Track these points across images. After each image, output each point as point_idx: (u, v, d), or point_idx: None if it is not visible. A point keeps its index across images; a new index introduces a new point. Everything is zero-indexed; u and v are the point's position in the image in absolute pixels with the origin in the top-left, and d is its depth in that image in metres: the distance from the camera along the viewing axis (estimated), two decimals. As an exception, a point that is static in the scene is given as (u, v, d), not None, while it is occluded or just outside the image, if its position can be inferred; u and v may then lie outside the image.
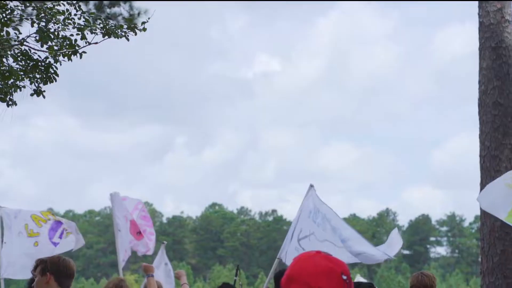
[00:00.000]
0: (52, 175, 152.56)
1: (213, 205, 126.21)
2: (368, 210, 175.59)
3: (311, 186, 10.94)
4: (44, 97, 10.16)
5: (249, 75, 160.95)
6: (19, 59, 9.77)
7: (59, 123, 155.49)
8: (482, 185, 11.77)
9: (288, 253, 10.32)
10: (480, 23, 12.17)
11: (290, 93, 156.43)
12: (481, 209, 11.77)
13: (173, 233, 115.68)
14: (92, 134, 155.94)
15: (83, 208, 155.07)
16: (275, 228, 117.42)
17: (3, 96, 9.88)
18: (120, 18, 10.24)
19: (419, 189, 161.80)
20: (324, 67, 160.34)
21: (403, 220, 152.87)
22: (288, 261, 9.36)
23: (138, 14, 10.71)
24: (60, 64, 9.85)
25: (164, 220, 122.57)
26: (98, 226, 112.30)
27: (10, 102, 10.05)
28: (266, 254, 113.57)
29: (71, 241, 10.86)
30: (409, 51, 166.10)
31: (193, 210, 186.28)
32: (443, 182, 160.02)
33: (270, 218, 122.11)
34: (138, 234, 11.94)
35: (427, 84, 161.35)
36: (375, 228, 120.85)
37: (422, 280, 7.74)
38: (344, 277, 2.97)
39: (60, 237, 10.70)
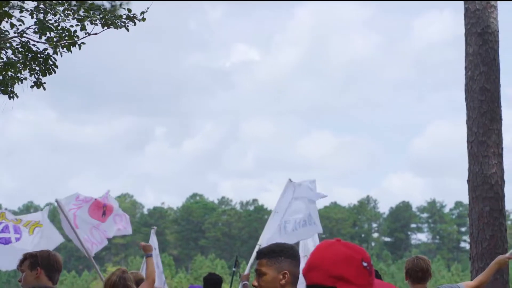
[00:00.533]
0: (31, 168, 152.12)
1: (194, 195, 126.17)
2: (348, 198, 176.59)
3: (290, 180, 11.17)
4: (44, 89, 10.12)
5: (227, 65, 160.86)
6: (18, 51, 9.70)
7: (37, 116, 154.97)
8: (470, 171, 11.78)
9: (272, 237, 10.50)
10: (466, 9, 12.13)
11: (269, 82, 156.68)
12: (469, 194, 11.80)
13: (154, 224, 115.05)
14: (71, 127, 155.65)
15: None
16: (256, 217, 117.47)
17: (4, 89, 9.82)
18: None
19: (399, 176, 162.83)
20: (302, 56, 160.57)
21: (384, 208, 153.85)
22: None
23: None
24: (61, 56, 9.79)
25: (145, 211, 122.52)
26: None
27: (12, 95, 10.00)
28: (247, 243, 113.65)
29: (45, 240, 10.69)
30: (387, 38, 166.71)
31: (174, 201, 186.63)
32: (423, 168, 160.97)
33: (251, 208, 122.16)
34: (103, 215, 11.67)
35: (406, 71, 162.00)
36: (356, 215, 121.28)
37: (418, 263, 7.69)
38: (365, 264, 2.96)
39: (3, 231, 10.54)
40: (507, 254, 8.50)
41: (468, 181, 11.79)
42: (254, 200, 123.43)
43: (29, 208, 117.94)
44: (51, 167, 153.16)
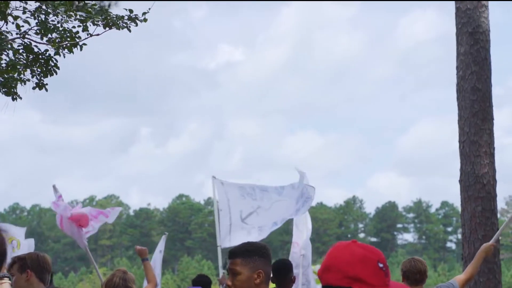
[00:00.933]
0: (17, 169, 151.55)
1: (180, 196, 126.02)
2: (335, 198, 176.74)
3: (214, 178, 11.17)
4: (46, 90, 10.12)
5: (212, 65, 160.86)
6: (20, 51, 9.69)
7: (22, 117, 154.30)
8: (462, 171, 11.77)
9: (234, 236, 10.39)
10: (457, 9, 12.13)
11: (254, 82, 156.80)
12: (461, 194, 11.78)
13: (140, 226, 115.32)
14: (56, 128, 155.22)
15: (49, 202, 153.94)
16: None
17: (7, 90, 9.80)
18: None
19: (385, 176, 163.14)
20: (287, 55, 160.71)
21: (370, 208, 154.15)
22: (235, 243, 9.51)
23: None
24: (64, 57, 9.78)
25: (131, 212, 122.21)
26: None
27: (15, 96, 10.00)
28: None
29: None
30: (372, 37, 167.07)
31: (160, 201, 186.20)
32: (409, 168, 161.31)
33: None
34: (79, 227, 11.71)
35: (391, 70, 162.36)
36: (342, 216, 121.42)
37: (415, 265, 7.61)
38: (381, 265, 2.98)
39: None
40: (491, 241, 8.54)
41: (460, 181, 11.77)
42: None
43: (15, 209, 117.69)
44: (36, 168, 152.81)
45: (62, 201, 11.04)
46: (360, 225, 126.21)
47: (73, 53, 9.72)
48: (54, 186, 11.28)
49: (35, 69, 9.90)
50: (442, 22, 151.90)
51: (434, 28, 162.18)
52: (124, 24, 9.77)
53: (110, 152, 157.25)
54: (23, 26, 9.55)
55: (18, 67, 9.67)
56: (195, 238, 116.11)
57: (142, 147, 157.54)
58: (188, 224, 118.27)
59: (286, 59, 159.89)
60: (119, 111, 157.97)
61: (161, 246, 12.31)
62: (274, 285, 7.24)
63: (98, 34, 9.75)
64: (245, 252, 4.58)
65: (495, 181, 11.64)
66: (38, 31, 9.56)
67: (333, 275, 2.93)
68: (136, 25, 9.82)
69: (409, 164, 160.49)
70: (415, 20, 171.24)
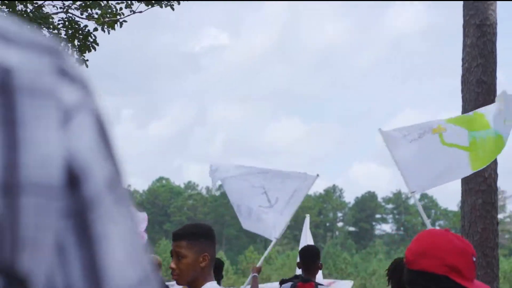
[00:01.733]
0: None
1: (160, 179, 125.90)
2: (314, 186, 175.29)
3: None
4: (87, 66, 10.00)
5: (197, 49, 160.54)
6: (59, 26, 9.59)
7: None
8: (464, 163, 11.71)
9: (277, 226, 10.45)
10: (465, 1, 12.08)
11: (238, 66, 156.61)
12: (462, 187, 11.74)
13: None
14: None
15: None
16: (222, 203, 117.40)
17: None
18: None
19: (366, 166, 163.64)
20: (273, 41, 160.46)
21: (350, 197, 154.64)
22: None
23: None
24: (109, 33, 9.67)
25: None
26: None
27: None
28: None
29: None
30: (358, 24, 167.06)
31: (140, 184, 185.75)
32: (389, 159, 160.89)
33: (218, 193, 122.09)
34: None
35: (375, 59, 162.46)
36: (322, 204, 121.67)
37: None
38: (474, 259, 3.00)
39: None
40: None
41: (462, 173, 11.71)
42: (221, 186, 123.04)
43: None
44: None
45: None
46: (339, 214, 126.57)
47: (114, 29, 9.63)
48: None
49: (75, 44, 9.81)
50: (430, 12, 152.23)
51: (422, 17, 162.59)
52: (167, 2, 9.68)
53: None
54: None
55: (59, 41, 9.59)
56: (173, 221, 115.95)
57: (123, 128, 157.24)
58: (167, 207, 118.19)
59: (271, 44, 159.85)
60: (101, 92, 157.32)
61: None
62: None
63: (141, 12, 9.66)
64: (191, 234, 4.51)
65: (496, 174, 11.60)
66: (79, 6, 9.46)
67: (430, 261, 2.90)
68: (179, 3, 9.72)
69: (389, 154, 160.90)
70: (402, 8, 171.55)
